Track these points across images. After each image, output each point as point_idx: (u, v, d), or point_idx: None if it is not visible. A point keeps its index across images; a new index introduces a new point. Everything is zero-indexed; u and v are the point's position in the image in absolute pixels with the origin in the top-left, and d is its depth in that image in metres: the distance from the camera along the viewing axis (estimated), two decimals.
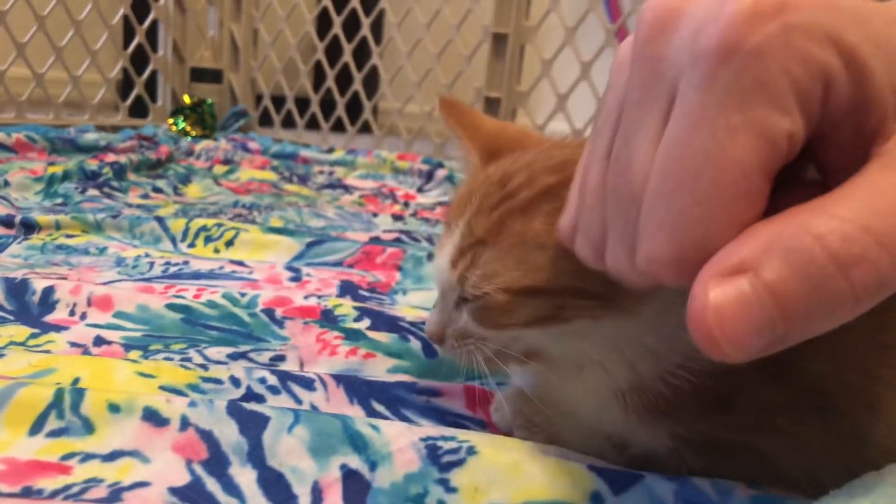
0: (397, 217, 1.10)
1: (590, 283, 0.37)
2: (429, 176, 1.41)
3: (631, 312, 0.38)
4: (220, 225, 0.85)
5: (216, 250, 0.82)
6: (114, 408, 0.41)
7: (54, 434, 0.40)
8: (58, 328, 0.56)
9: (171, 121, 1.73)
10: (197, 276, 0.72)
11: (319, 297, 0.68)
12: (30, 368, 0.48)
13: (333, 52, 1.75)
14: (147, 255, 0.76)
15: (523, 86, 1.56)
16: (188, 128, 1.71)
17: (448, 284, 0.41)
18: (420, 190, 1.36)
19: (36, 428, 0.40)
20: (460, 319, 0.41)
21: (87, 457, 0.39)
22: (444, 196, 1.31)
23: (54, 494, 0.36)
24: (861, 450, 0.41)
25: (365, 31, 1.71)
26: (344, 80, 1.74)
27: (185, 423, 0.40)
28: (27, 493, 0.36)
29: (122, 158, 1.23)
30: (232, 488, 0.37)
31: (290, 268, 0.77)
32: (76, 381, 0.47)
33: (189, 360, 0.53)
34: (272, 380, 0.49)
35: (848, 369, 0.40)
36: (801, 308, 0.23)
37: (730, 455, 0.40)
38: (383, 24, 1.94)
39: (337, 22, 1.73)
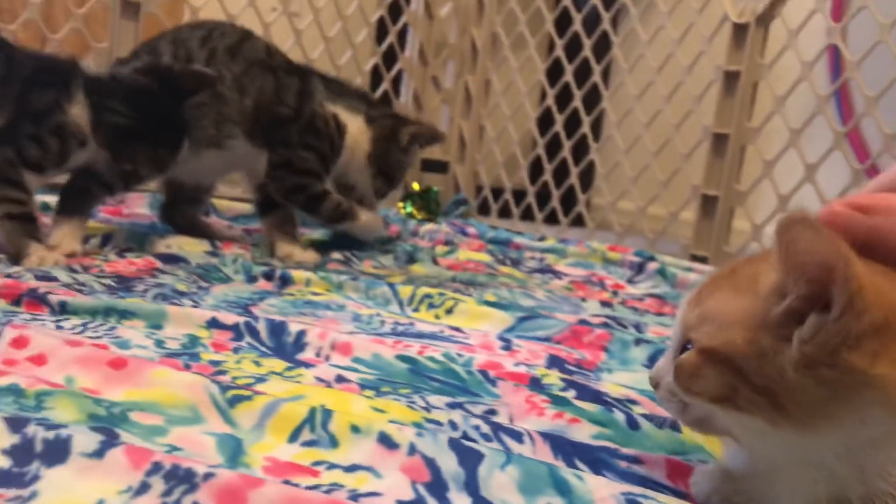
0: (605, 304, 1.13)
1: (752, 370, 0.38)
2: (640, 268, 1.42)
3: (808, 429, 0.38)
4: (441, 294, 0.93)
5: (437, 316, 0.90)
6: (355, 429, 0.48)
7: (307, 444, 0.47)
8: (307, 365, 0.65)
9: (400, 205, 1.90)
10: (420, 335, 0.80)
11: (528, 365, 0.72)
12: (286, 393, 0.57)
13: (553, 147, 1.84)
14: (379, 315, 0.86)
15: (743, 185, 1.55)
16: (415, 212, 1.87)
17: (678, 325, 0.44)
18: (630, 281, 1.38)
19: (293, 437, 0.48)
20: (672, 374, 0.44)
21: (332, 466, 0.46)
22: (655, 288, 1.32)
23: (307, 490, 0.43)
24: None
25: (585, 128, 1.79)
26: (561, 173, 1.82)
27: (412, 450, 0.46)
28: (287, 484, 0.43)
29: None
30: None
31: (501, 338, 0.83)
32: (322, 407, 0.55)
33: (414, 403, 0.59)
34: (485, 428, 0.54)
35: None
36: None
37: None
38: (603, 123, 2.01)
39: (559, 120, 1.83)
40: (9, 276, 0.84)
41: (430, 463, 0.45)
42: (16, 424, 0.43)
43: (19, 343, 0.59)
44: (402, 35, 1.92)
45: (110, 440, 0.43)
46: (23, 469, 0.41)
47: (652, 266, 1.41)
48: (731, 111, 1.54)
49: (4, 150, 0.96)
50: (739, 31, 1.52)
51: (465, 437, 0.53)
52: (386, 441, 0.47)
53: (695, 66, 1.59)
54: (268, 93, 1.21)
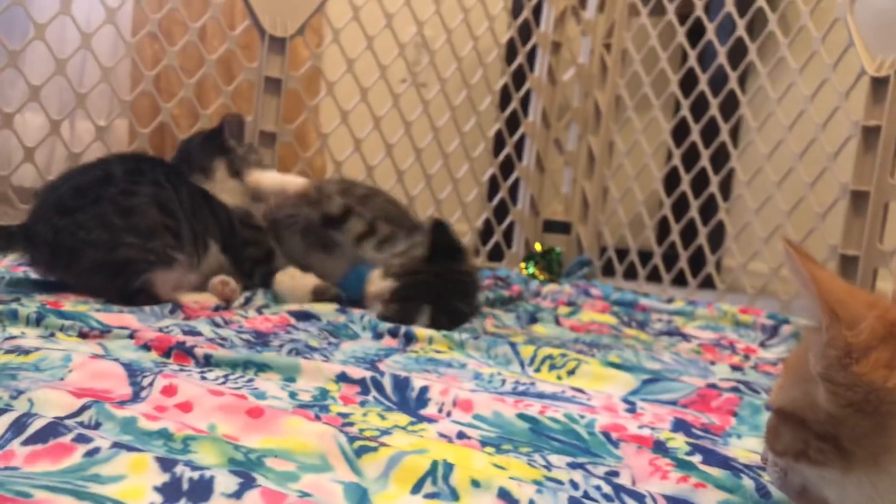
0: (736, 368, 1.09)
1: (812, 419, 0.40)
2: (773, 331, 1.36)
3: (874, 469, 0.39)
4: (564, 355, 0.93)
5: (559, 377, 0.90)
6: (475, 483, 0.49)
7: (429, 496, 0.49)
8: (429, 420, 0.67)
9: (522, 265, 1.91)
10: (541, 396, 0.80)
11: (653, 428, 0.71)
12: (409, 447, 0.58)
13: (680, 207, 1.81)
14: (500, 374, 0.86)
15: (887, 245, 1.46)
16: (537, 272, 1.88)
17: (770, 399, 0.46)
18: (762, 345, 1.32)
19: (416, 488, 0.49)
20: None
21: None
22: (790, 353, 1.26)
23: None
24: None
25: (713, 188, 1.75)
26: (688, 234, 1.79)
27: None
28: None
29: (481, 295, 1.40)
30: None
31: (625, 400, 0.81)
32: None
33: (534, 461, 0.59)
34: (607, 489, 0.54)
35: None
36: None
37: None
38: (732, 182, 1.96)
39: (685, 180, 1.80)
40: (160, 329, 0.91)
41: None
42: (166, 464, 0.47)
43: (169, 391, 0.65)
44: (524, 100, 1.96)
45: (248, 483, 0.46)
46: None
47: (787, 329, 1.35)
48: (872, 167, 1.47)
49: None
50: (878, 84, 1.46)
51: (586, 496, 0.53)
52: (506, 496, 0.48)
53: (829, 122, 1.54)
54: None
